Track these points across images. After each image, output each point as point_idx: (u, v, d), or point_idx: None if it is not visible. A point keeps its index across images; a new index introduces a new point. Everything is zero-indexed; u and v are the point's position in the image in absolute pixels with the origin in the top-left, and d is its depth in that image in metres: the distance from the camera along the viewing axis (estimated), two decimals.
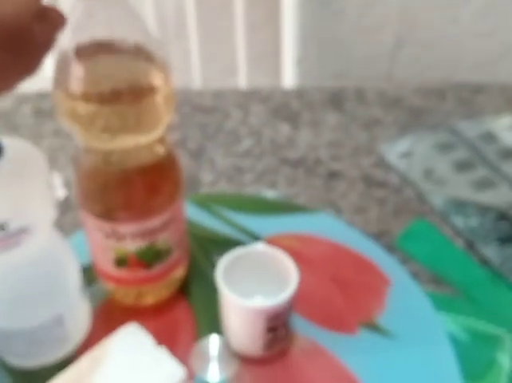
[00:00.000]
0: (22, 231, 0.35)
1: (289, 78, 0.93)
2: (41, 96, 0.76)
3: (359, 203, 0.62)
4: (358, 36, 0.99)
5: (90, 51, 0.35)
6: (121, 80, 0.36)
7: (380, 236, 0.58)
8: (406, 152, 0.68)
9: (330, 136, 0.72)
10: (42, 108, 0.75)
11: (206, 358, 0.45)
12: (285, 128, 0.73)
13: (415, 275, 0.53)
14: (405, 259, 0.55)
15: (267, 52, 0.96)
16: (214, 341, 0.46)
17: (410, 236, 0.58)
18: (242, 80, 0.96)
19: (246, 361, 0.45)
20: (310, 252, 0.53)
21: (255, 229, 0.56)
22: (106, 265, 0.44)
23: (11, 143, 0.35)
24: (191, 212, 0.57)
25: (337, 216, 0.60)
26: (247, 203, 0.60)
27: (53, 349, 0.44)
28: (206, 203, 0.59)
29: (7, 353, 0.44)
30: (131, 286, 0.46)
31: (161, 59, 0.36)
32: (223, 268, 0.42)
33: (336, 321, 0.47)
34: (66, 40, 0.35)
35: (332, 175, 0.66)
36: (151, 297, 0.48)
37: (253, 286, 0.45)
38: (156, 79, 0.36)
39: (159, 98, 0.36)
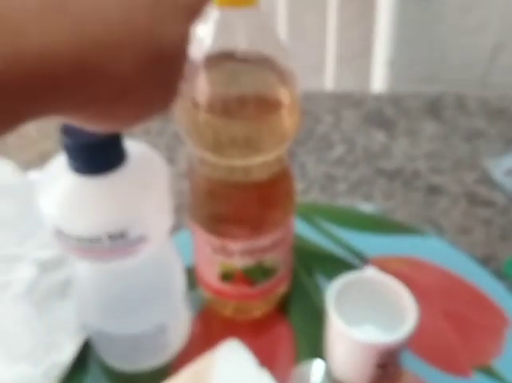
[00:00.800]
0: (141, 240, 0.34)
1: (378, 80, 0.89)
2: None
3: (462, 223, 0.59)
4: (455, 39, 0.94)
5: (219, 61, 0.33)
6: (247, 94, 0.34)
7: (486, 261, 0.54)
8: None
9: (429, 146, 0.68)
10: None
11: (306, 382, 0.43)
12: (379, 136, 0.70)
13: None
14: None
15: (357, 52, 0.93)
16: (316, 368, 0.44)
17: None
18: (329, 80, 0.93)
19: None
20: (421, 279, 0.50)
21: (360, 247, 0.53)
22: (210, 277, 0.43)
23: (135, 147, 0.34)
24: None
25: (439, 235, 0.56)
26: (352, 219, 0.57)
27: (152, 355, 0.43)
28: (309, 214, 0.57)
29: (109, 355, 0.44)
30: (232, 301, 0.44)
31: (290, 73, 0.34)
32: (334, 294, 0.40)
33: (449, 362, 0.44)
34: (196, 48, 0.33)
35: (433, 190, 0.62)
36: (250, 311, 0.46)
37: (363, 314, 0.42)
38: (284, 96, 0.34)
39: (286, 115, 0.34)
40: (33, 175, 0.57)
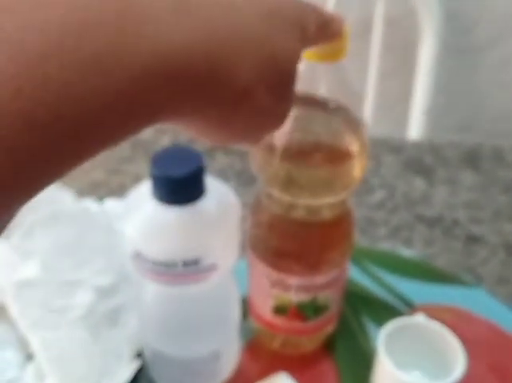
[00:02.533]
0: (212, 268, 0.38)
1: (415, 128, 0.93)
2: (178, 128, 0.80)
3: (501, 273, 0.61)
4: (493, 90, 0.98)
5: (297, 106, 0.37)
6: (321, 141, 0.37)
7: None
8: None
9: (468, 196, 0.71)
10: (180, 139, 0.78)
11: None
12: (419, 183, 0.73)
13: None
14: None
15: (396, 99, 0.97)
16: None
17: None
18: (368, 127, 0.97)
19: None
20: (467, 330, 0.52)
21: (407, 294, 0.56)
22: (264, 309, 0.46)
23: (212, 183, 0.38)
24: None
25: (477, 284, 0.59)
26: (399, 264, 0.60)
27: (202, 381, 0.46)
28: (357, 257, 0.60)
29: (163, 379, 0.46)
30: (282, 334, 0.47)
31: (361, 123, 0.38)
32: (385, 337, 0.42)
33: None
34: None
35: (472, 239, 0.65)
36: (297, 347, 0.49)
37: (411, 359, 0.44)
38: (355, 144, 0.38)
39: (355, 164, 0.38)
40: (109, 203, 0.60)
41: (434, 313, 0.53)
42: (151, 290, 0.42)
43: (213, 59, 0.22)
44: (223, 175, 0.72)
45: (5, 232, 0.56)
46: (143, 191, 0.38)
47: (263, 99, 0.26)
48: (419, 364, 0.45)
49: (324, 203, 0.39)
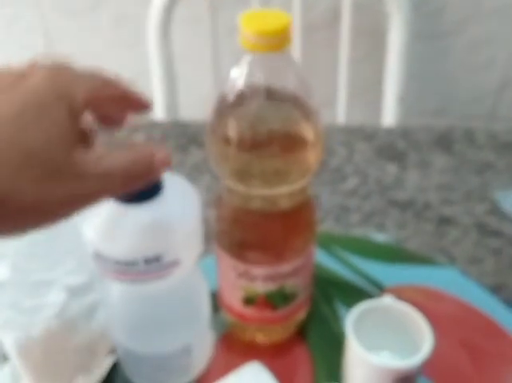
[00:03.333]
0: (174, 264, 0.38)
1: (388, 114, 0.94)
2: (152, 125, 0.81)
3: (473, 253, 0.62)
4: (463, 74, 0.99)
5: (249, 99, 0.37)
6: (275, 131, 0.38)
7: (496, 290, 0.58)
8: None
9: (439, 178, 0.72)
10: (154, 136, 0.79)
11: None
12: (391, 169, 0.74)
13: None
14: None
15: (368, 87, 0.98)
16: None
17: None
18: (341, 114, 0.98)
19: None
20: (436, 309, 0.53)
21: (377, 276, 0.57)
22: (233, 301, 0.46)
23: (170, 179, 0.38)
24: None
25: (451, 265, 0.60)
26: (369, 248, 0.61)
27: (177, 376, 0.46)
28: (327, 243, 0.61)
29: (136, 375, 0.47)
30: (253, 324, 0.48)
31: (314, 110, 0.39)
32: (353, 320, 0.43)
33: None
34: (226, 85, 0.37)
35: (444, 221, 0.66)
36: (270, 336, 0.50)
37: (380, 340, 0.45)
38: (309, 132, 0.38)
39: (310, 152, 0.38)
40: None
41: (403, 293, 0.54)
42: (116, 290, 0.43)
43: None
44: (197, 169, 0.73)
45: None
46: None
47: (27, 196, 0.27)
48: (389, 345, 0.46)
49: (282, 192, 0.40)
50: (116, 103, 0.34)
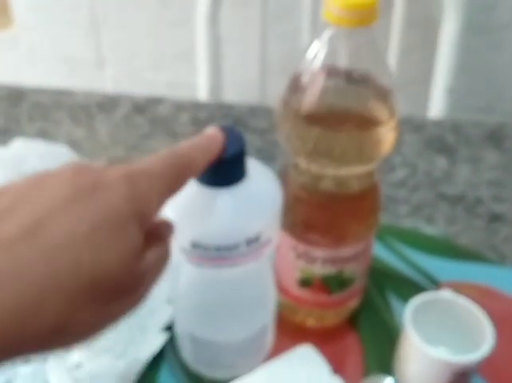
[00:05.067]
0: (268, 243, 0.38)
1: (436, 107, 0.92)
2: (198, 106, 0.81)
3: None
4: None
5: (326, 76, 0.37)
6: (350, 109, 0.38)
7: None
8: None
9: (490, 175, 0.71)
10: (199, 117, 0.79)
11: None
12: (441, 162, 0.73)
13: None
14: None
15: (417, 78, 0.97)
16: (385, 382, 0.47)
17: None
18: None
19: None
20: (493, 308, 0.52)
21: (433, 271, 0.56)
22: (289, 282, 0.47)
23: (251, 163, 0.38)
24: None
25: (501, 262, 0.59)
26: (424, 242, 0.60)
27: (250, 359, 0.46)
28: (382, 235, 0.60)
29: (204, 363, 0.47)
30: (307, 307, 0.48)
31: (391, 92, 0.38)
32: (411, 312, 0.43)
33: None
34: (304, 62, 0.37)
35: (495, 218, 0.65)
36: (321, 321, 0.50)
37: (437, 334, 0.45)
38: (384, 113, 0.38)
39: (383, 132, 0.38)
40: None
41: (459, 290, 0.53)
42: (198, 277, 0.42)
43: (5, 326, 0.22)
44: None
45: None
46: None
47: (88, 320, 0.25)
48: (445, 339, 0.45)
49: (352, 173, 0.39)
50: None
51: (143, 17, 1.13)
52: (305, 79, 0.38)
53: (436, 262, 0.57)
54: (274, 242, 0.40)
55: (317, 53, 0.37)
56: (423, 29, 0.97)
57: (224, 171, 0.35)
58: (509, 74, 0.97)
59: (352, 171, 0.40)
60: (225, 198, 0.36)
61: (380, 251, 0.58)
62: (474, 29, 0.96)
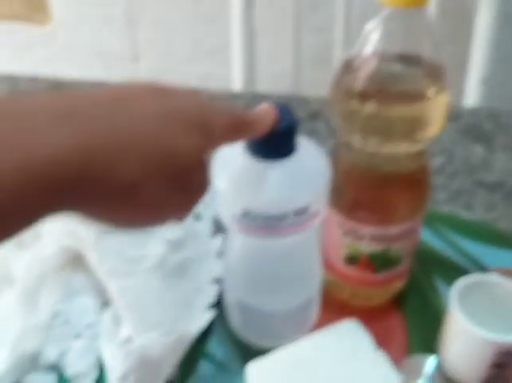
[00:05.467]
0: (316, 214, 0.39)
1: (471, 96, 0.92)
2: (233, 96, 0.82)
3: None
4: None
5: (380, 54, 0.38)
6: (402, 88, 0.39)
7: None
8: None
9: None
10: None
11: (417, 374, 0.46)
12: (478, 150, 0.73)
13: None
14: None
15: (452, 67, 0.96)
16: (429, 362, 0.47)
17: None
18: None
19: None
20: None
21: (481, 258, 0.56)
22: (336, 259, 0.48)
23: (301, 140, 0.39)
24: None
25: None
26: (471, 228, 0.60)
27: (296, 331, 0.47)
28: (431, 220, 0.60)
29: (251, 332, 0.48)
30: (352, 285, 0.49)
31: (442, 73, 0.39)
32: (458, 291, 0.43)
33: None
34: (358, 41, 0.38)
35: None
36: (366, 300, 0.51)
37: (482, 317, 0.44)
38: (435, 91, 0.39)
39: (434, 108, 0.39)
40: None
41: (508, 276, 0.53)
42: (248, 247, 0.44)
43: (88, 161, 0.24)
44: None
45: None
46: (232, 152, 0.39)
47: (157, 191, 0.28)
48: (490, 322, 0.45)
49: (404, 151, 0.40)
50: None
51: (178, 12, 1.14)
52: (358, 60, 0.39)
53: (485, 249, 0.57)
54: (321, 216, 0.41)
55: (370, 35, 0.38)
56: (458, 20, 0.96)
57: (276, 144, 0.36)
58: None
59: (404, 149, 0.40)
60: (275, 170, 0.38)
61: (428, 236, 0.58)
62: (509, 19, 0.95)
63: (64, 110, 0.25)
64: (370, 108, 0.38)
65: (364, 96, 0.38)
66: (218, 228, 0.56)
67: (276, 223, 0.38)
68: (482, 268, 0.55)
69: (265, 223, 0.38)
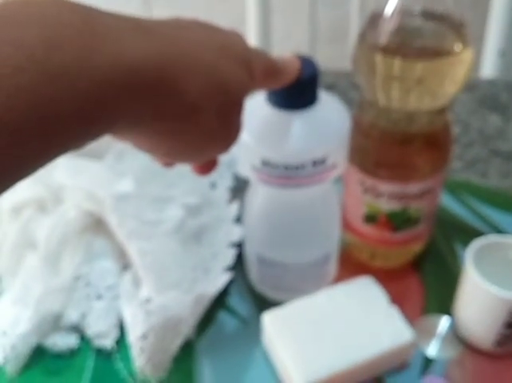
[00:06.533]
0: (334, 166, 0.40)
1: (488, 67, 0.92)
2: None
3: None
4: None
5: (401, 14, 0.39)
6: (425, 43, 0.40)
7: None
8: None
9: None
10: None
11: (431, 333, 0.47)
12: (494, 119, 0.73)
13: None
14: None
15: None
16: (443, 322, 0.47)
17: None
18: None
19: (471, 349, 0.45)
20: None
21: (499, 223, 0.56)
22: (355, 218, 0.48)
23: (322, 93, 0.40)
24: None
25: None
26: (497, 197, 0.60)
27: (313, 285, 0.48)
28: (456, 188, 0.61)
29: (270, 284, 0.49)
30: (371, 244, 0.49)
31: (464, 28, 0.40)
32: (474, 250, 0.43)
33: None
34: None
35: None
36: (385, 261, 0.51)
37: (499, 277, 0.44)
38: (457, 45, 0.39)
39: (457, 62, 0.39)
40: None
41: None
42: (263, 201, 0.44)
43: (163, 72, 0.25)
44: None
45: (99, 155, 0.59)
46: (254, 102, 0.39)
47: (210, 120, 0.29)
48: (507, 282, 0.45)
49: (426, 108, 0.40)
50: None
51: None
52: (382, 16, 0.39)
53: (501, 214, 0.57)
54: (340, 169, 0.41)
55: None
56: None
57: (297, 94, 0.37)
58: None
59: (427, 106, 0.40)
60: (295, 120, 0.38)
61: (447, 202, 0.58)
62: None
63: (140, 27, 0.26)
64: (393, 61, 0.38)
65: (387, 51, 0.39)
66: (235, 195, 0.57)
67: (294, 173, 0.38)
68: (500, 233, 0.55)
69: (284, 173, 0.38)
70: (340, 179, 0.47)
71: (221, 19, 1.16)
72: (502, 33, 0.89)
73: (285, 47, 1.06)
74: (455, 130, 0.71)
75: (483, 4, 0.92)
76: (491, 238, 0.45)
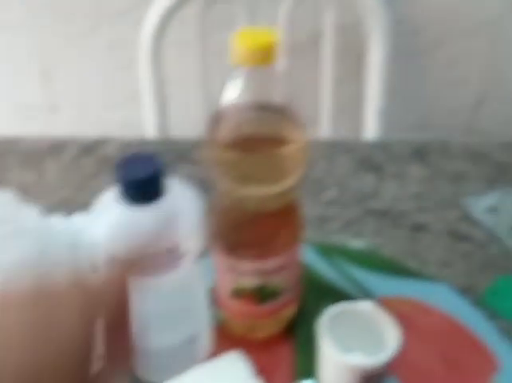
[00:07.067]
0: (184, 255, 0.43)
1: (370, 129, 0.98)
2: (144, 143, 0.85)
3: (444, 257, 0.66)
4: (441, 90, 1.04)
5: (241, 109, 0.44)
6: (264, 135, 0.44)
7: (466, 291, 0.61)
8: (492, 207, 0.72)
9: (415, 188, 0.77)
10: None
11: None
12: (369, 180, 0.78)
13: (505, 332, 0.56)
14: (492, 316, 0.58)
15: (350, 103, 1.03)
16: None
17: (497, 292, 0.61)
18: (324, 130, 1.03)
19: None
20: (422, 321, 0.56)
21: (369, 286, 0.61)
22: (224, 294, 0.52)
23: (171, 182, 0.43)
24: (311, 258, 0.64)
25: (439, 279, 0.63)
26: (366, 260, 0.65)
27: (184, 365, 0.49)
28: (327, 251, 0.65)
29: (145, 369, 0.50)
30: (241, 318, 0.53)
31: (298, 117, 0.45)
32: (327, 319, 0.47)
33: None
34: (221, 97, 0.44)
35: (417, 228, 0.70)
36: (261, 331, 0.54)
37: (354, 343, 0.48)
38: (292, 135, 0.44)
39: (293, 152, 0.44)
40: (75, 218, 0.64)
41: (391, 303, 0.57)
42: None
43: None
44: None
45: None
46: (107, 201, 0.43)
47: None
48: (361, 346, 0.48)
49: (271, 193, 0.45)
50: None
51: (92, 64, 1.18)
52: (223, 113, 0.44)
53: (370, 276, 0.62)
54: (194, 254, 0.44)
55: (232, 89, 0.43)
56: (354, 58, 1.03)
57: (141, 190, 0.41)
58: (435, 94, 1.04)
59: (272, 191, 0.45)
60: (144, 214, 0.41)
61: (319, 265, 0.63)
62: (400, 54, 1.02)
63: None
64: (235, 156, 0.43)
65: (228, 146, 0.43)
66: None
67: (149, 263, 0.42)
68: (369, 295, 0.59)
69: (140, 264, 0.41)
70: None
71: (120, 91, 1.19)
72: (380, 96, 0.96)
73: (181, 117, 1.11)
74: (333, 193, 0.76)
75: (361, 68, 0.99)
76: (344, 306, 0.48)
